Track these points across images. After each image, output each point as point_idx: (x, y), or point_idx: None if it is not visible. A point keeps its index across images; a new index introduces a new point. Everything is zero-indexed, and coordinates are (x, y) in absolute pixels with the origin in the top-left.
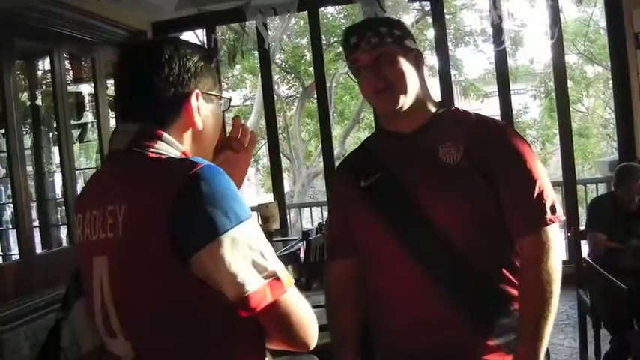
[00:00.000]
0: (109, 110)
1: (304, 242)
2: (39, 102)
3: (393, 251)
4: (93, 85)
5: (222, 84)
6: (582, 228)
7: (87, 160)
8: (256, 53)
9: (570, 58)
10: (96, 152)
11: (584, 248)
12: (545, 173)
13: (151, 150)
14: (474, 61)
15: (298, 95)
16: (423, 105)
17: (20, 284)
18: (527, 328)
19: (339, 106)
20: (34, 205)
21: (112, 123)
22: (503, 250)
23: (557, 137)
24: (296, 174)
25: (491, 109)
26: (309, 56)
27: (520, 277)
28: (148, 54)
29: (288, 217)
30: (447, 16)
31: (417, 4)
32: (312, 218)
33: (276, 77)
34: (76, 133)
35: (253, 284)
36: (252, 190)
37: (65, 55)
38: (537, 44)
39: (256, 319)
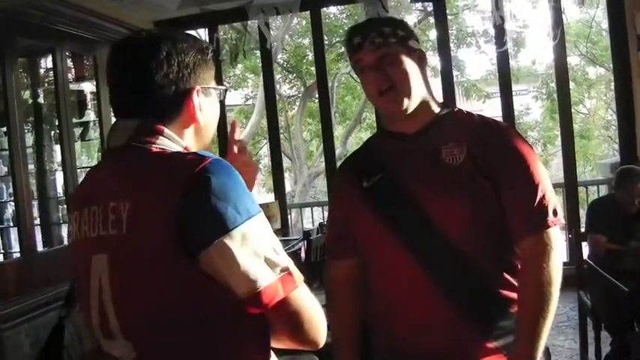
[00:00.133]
0: (111, 109)
1: (305, 242)
2: (41, 100)
3: (394, 251)
4: (95, 83)
5: (225, 83)
6: (583, 230)
7: (88, 159)
8: (258, 53)
9: (572, 60)
10: (97, 150)
11: (585, 250)
12: (547, 175)
13: (153, 145)
14: (475, 62)
15: (300, 95)
16: (426, 106)
17: (21, 282)
18: (526, 329)
19: (341, 106)
20: (35, 203)
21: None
22: (504, 252)
23: (559, 139)
24: (297, 174)
25: (492, 110)
26: (311, 56)
27: (520, 278)
28: (146, 51)
29: (289, 216)
30: (449, 17)
31: (419, 5)
32: (313, 218)
33: (278, 77)
34: (77, 131)
35: (265, 280)
36: (253, 190)
37: (67, 54)
38: (539, 45)
39: (264, 316)
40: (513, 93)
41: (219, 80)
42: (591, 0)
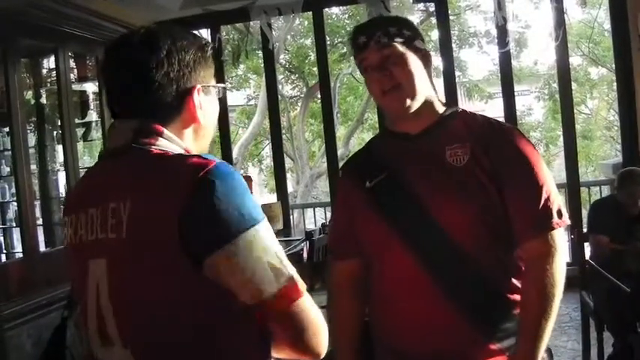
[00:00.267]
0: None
1: (307, 242)
2: (43, 100)
3: (396, 252)
4: (97, 84)
5: (227, 84)
6: (585, 230)
7: (90, 159)
8: (260, 53)
9: (574, 60)
10: (100, 151)
11: (587, 250)
12: (552, 177)
13: (154, 147)
14: (478, 62)
15: (302, 95)
16: (430, 106)
17: (23, 282)
18: (528, 330)
19: (343, 106)
20: (37, 203)
21: None
22: (507, 253)
23: (561, 139)
24: (299, 174)
25: (495, 110)
26: (313, 56)
27: (523, 279)
28: (145, 49)
29: (291, 217)
30: (451, 17)
31: (421, 5)
32: (315, 218)
33: (280, 77)
34: (80, 131)
35: (269, 289)
36: (255, 190)
37: (70, 54)
38: (541, 46)
39: (265, 325)
40: (515, 93)
41: (218, 78)
42: (593, 0)
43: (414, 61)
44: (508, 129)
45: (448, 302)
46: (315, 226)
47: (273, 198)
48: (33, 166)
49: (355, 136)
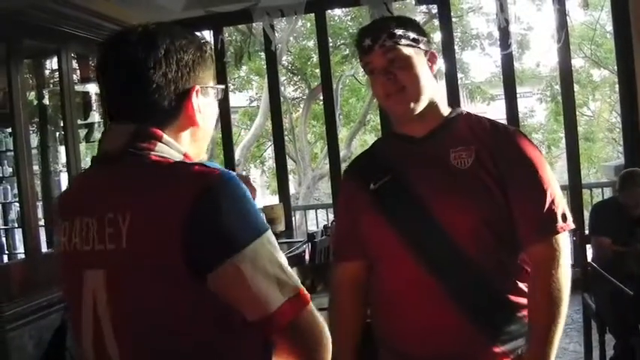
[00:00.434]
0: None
1: (309, 244)
2: (46, 101)
3: (400, 254)
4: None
5: (229, 85)
6: (587, 232)
7: None
8: (263, 55)
9: (577, 62)
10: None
11: (589, 253)
12: (556, 180)
13: (152, 153)
14: (480, 64)
15: (304, 97)
16: (435, 108)
17: (25, 283)
18: (538, 335)
19: (345, 108)
20: (39, 204)
21: None
22: (511, 256)
23: (563, 141)
24: (301, 176)
25: (497, 112)
26: (315, 58)
27: (530, 284)
28: (143, 48)
29: (293, 218)
30: (453, 19)
31: (423, 7)
32: (317, 220)
33: (282, 79)
34: (82, 132)
35: (276, 303)
36: (257, 192)
37: (72, 55)
38: (544, 48)
39: (269, 336)
40: (517, 95)
41: (220, 80)
42: (595, 2)
43: (419, 64)
44: (513, 132)
45: (451, 305)
46: (317, 227)
47: (275, 199)
48: (35, 167)
49: (357, 138)
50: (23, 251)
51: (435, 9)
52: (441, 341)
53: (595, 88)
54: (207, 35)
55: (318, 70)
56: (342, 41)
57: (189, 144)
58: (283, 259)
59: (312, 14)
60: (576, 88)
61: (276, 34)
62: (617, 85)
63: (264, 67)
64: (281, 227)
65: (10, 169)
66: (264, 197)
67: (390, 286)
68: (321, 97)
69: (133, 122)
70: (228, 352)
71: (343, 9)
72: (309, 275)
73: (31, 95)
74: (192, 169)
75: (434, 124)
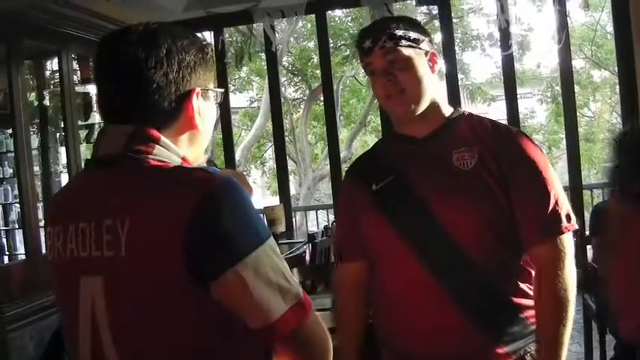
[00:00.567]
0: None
1: (310, 245)
2: (46, 102)
3: (402, 255)
4: None
5: (230, 86)
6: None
7: None
8: (263, 55)
9: (577, 63)
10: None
11: (590, 253)
12: (559, 181)
13: (150, 156)
14: (480, 65)
15: (305, 98)
16: (437, 109)
17: (26, 284)
18: (547, 337)
19: (346, 109)
20: (40, 205)
21: None
22: (513, 257)
23: (564, 142)
24: (302, 176)
25: (497, 113)
26: (316, 59)
27: (536, 285)
28: (144, 47)
29: (293, 219)
30: (454, 20)
31: (424, 8)
32: (317, 221)
33: (283, 80)
34: (83, 133)
35: (278, 311)
36: (258, 193)
37: (73, 56)
38: (544, 49)
39: (271, 344)
40: (518, 96)
41: (220, 81)
42: (596, 3)
43: (419, 64)
44: (515, 133)
45: (454, 305)
46: (318, 228)
47: (275, 200)
48: (36, 168)
49: (358, 139)
50: (24, 252)
51: (435, 10)
52: (442, 342)
53: (595, 89)
54: (208, 36)
55: (318, 71)
56: (342, 42)
57: (187, 147)
58: (285, 266)
59: (313, 15)
60: (577, 89)
61: (277, 35)
62: (617, 86)
63: (265, 67)
64: (281, 228)
65: (11, 170)
66: (265, 198)
67: (391, 286)
68: (322, 98)
69: (130, 123)
70: (229, 359)
71: (344, 10)
72: (309, 276)
73: (32, 96)
74: (193, 175)
75: (436, 125)
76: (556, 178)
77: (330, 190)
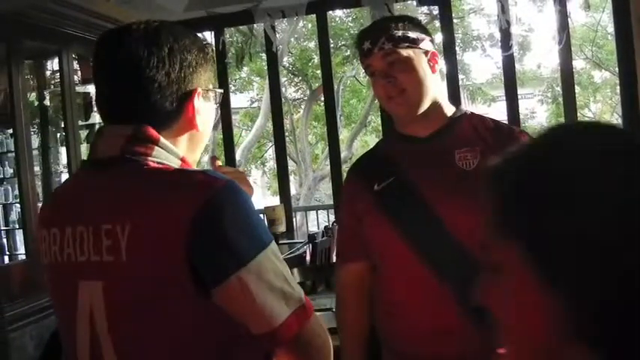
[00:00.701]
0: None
1: (310, 245)
2: (47, 102)
3: (405, 255)
4: None
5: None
6: None
7: None
8: (264, 56)
9: (578, 64)
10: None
11: None
12: None
13: (149, 158)
14: (481, 65)
15: (305, 98)
16: (439, 108)
17: (26, 284)
18: None
19: (346, 109)
20: (40, 205)
21: None
22: None
23: None
24: (302, 177)
25: (498, 113)
26: (316, 59)
27: None
28: (146, 45)
29: (294, 220)
30: (455, 21)
31: (425, 9)
32: (318, 221)
33: (283, 80)
34: (83, 133)
35: (282, 316)
36: (258, 193)
37: (73, 56)
38: (545, 49)
39: (272, 349)
40: (519, 96)
41: (221, 81)
42: (597, 4)
43: (419, 65)
44: (518, 133)
45: (456, 306)
46: (318, 228)
47: (276, 200)
48: (36, 168)
49: (358, 139)
50: (24, 252)
51: (436, 10)
52: (444, 342)
53: (596, 89)
54: (209, 36)
55: (319, 71)
56: (343, 42)
57: (187, 148)
58: (287, 270)
59: (314, 15)
60: (577, 89)
61: (278, 35)
62: (618, 87)
63: (265, 68)
64: (282, 228)
65: (11, 170)
66: (265, 198)
67: (392, 286)
68: (322, 98)
69: (130, 123)
70: None
71: (344, 10)
72: (310, 276)
73: (32, 96)
74: (194, 178)
75: (438, 125)
76: None
77: (331, 190)
